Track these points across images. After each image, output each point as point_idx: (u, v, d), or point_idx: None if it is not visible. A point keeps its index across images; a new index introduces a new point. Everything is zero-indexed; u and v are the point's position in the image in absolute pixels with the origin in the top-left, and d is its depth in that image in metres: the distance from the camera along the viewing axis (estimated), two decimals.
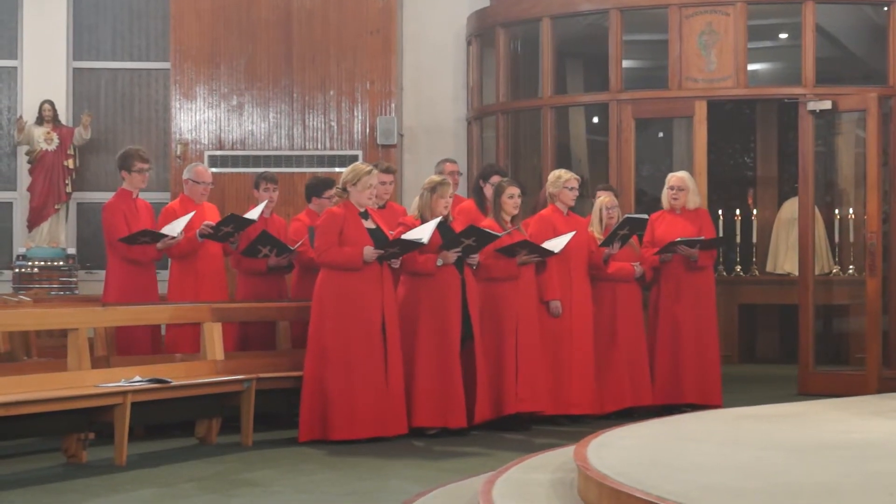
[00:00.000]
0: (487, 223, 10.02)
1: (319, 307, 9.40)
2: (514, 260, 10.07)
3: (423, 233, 9.40)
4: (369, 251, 9.30)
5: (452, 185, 10.51)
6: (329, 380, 9.27)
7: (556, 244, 10.22)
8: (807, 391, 12.25)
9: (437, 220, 9.56)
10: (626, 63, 13.65)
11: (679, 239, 10.90)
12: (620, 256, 10.76)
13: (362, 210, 9.51)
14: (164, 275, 10.63)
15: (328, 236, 9.39)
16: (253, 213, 10.50)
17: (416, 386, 9.56)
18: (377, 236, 9.42)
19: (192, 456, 8.81)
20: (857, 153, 13.80)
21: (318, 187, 10.99)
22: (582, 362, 10.47)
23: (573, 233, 10.31)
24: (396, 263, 9.53)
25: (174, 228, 10.28)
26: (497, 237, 9.80)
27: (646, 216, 11.09)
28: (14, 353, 10.16)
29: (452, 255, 9.64)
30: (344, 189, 9.51)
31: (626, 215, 11.03)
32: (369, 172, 9.48)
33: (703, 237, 11.00)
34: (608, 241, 10.65)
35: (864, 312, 12.44)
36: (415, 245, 9.40)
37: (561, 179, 10.62)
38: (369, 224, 9.51)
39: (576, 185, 10.65)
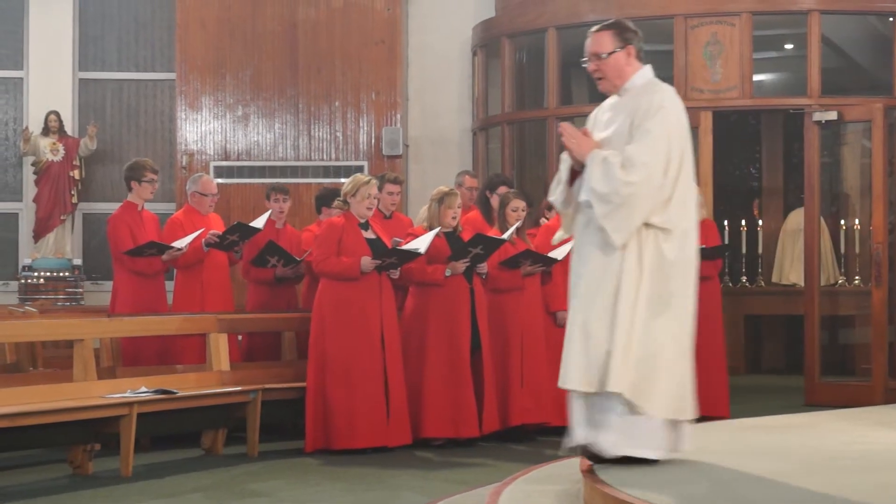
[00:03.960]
0: (493, 234, 10.03)
1: (319, 317, 9.42)
2: (518, 271, 10.07)
3: (421, 243, 9.44)
4: (366, 261, 9.31)
5: (468, 198, 10.53)
6: (329, 389, 9.29)
7: (558, 252, 10.23)
8: (813, 402, 12.23)
9: (436, 230, 9.61)
10: None
11: None
12: None
13: (363, 221, 9.53)
14: (169, 286, 10.63)
15: (326, 247, 9.42)
16: (258, 222, 10.52)
17: (425, 396, 9.57)
18: (376, 246, 9.44)
19: (197, 467, 8.82)
20: (862, 163, 13.79)
21: (327, 198, 11.00)
22: None
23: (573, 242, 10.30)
24: (395, 274, 9.54)
25: (181, 243, 10.29)
26: (503, 241, 9.82)
27: None
28: (20, 364, 10.16)
29: (461, 266, 9.66)
30: (345, 201, 9.55)
31: None
32: (367, 183, 9.51)
33: (703, 246, 10.99)
34: None
35: (869, 323, 12.42)
36: (412, 255, 9.42)
37: None
38: (369, 234, 9.53)
39: None
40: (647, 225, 6.08)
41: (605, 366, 6.11)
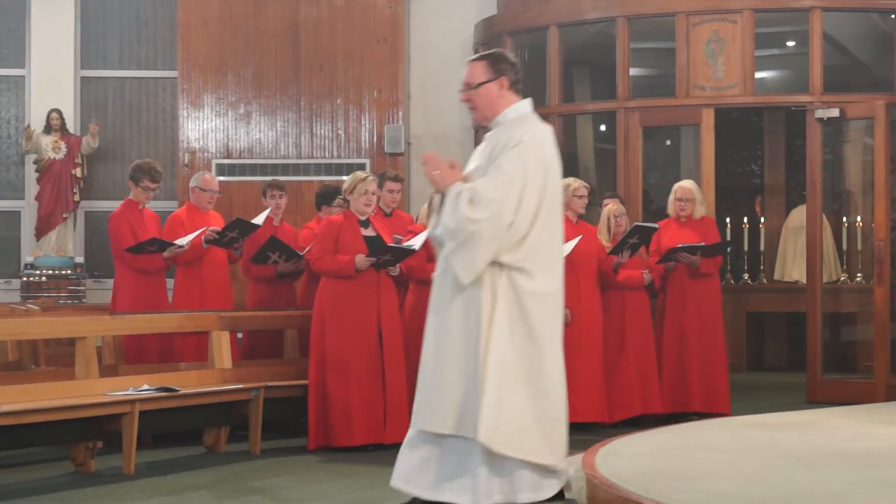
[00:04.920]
0: None
1: (319, 314, 9.43)
2: None
3: (417, 241, 9.44)
4: (361, 259, 9.30)
5: None
6: (329, 386, 9.30)
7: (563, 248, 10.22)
8: (815, 399, 12.23)
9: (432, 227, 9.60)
10: (633, 71, 13.66)
11: (679, 245, 10.91)
12: (629, 264, 10.77)
13: (363, 218, 9.52)
14: (168, 283, 10.64)
15: (324, 244, 9.44)
16: (258, 219, 10.52)
17: None
18: (374, 244, 9.43)
19: (200, 464, 8.82)
20: (864, 161, 13.79)
21: (327, 196, 11.01)
22: (591, 371, 10.46)
23: (579, 237, 10.31)
24: (395, 271, 9.54)
25: (184, 241, 10.29)
26: None
27: (655, 225, 11.09)
28: (22, 362, 10.17)
29: None
30: (345, 199, 9.57)
31: (636, 224, 11.03)
32: (364, 179, 9.50)
33: (703, 244, 11.00)
34: (617, 250, 10.65)
35: (871, 320, 12.41)
36: (407, 252, 9.42)
37: (570, 188, 10.63)
38: (368, 232, 9.52)
39: (585, 192, 10.66)
40: (501, 263, 5.87)
41: (471, 411, 5.84)
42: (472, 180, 5.97)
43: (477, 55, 6.21)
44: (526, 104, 6.15)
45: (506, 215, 5.82)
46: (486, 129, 6.31)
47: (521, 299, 5.88)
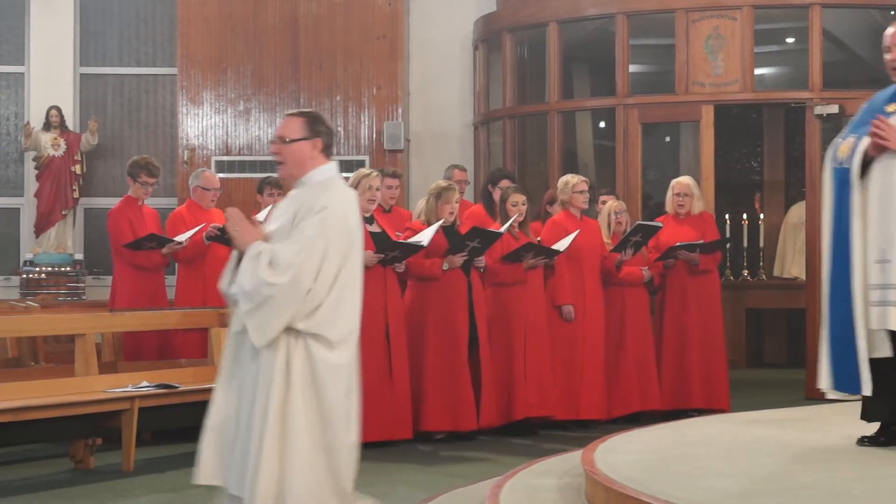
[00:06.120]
0: (495, 228, 10.03)
1: None
2: (520, 265, 10.08)
3: (424, 236, 9.45)
4: (369, 255, 9.30)
5: (459, 192, 10.57)
6: None
7: (560, 244, 10.24)
8: (814, 396, 12.19)
9: (439, 223, 9.60)
10: (632, 67, 13.65)
11: (678, 244, 10.91)
12: (629, 261, 10.79)
13: (368, 214, 9.52)
14: (171, 280, 10.63)
15: None
16: (260, 216, 10.51)
17: (424, 390, 9.58)
18: (380, 240, 9.43)
19: None
20: None
21: None
22: (593, 367, 10.48)
23: (577, 231, 10.33)
24: (400, 268, 9.54)
25: (183, 237, 10.29)
26: (500, 235, 9.82)
27: (659, 224, 11.09)
28: (22, 359, 10.17)
29: (459, 260, 9.66)
30: None
31: (638, 222, 11.05)
32: (368, 175, 9.51)
33: (702, 241, 11.01)
34: (620, 247, 10.66)
35: None
36: (415, 248, 9.42)
37: (569, 185, 10.64)
38: (374, 228, 9.53)
39: (585, 187, 10.68)
40: (297, 330, 5.70)
41: (251, 475, 5.68)
42: (273, 239, 5.80)
43: (296, 111, 6.08)
44: (332, 168, 6.02)
45: (305, 281, 5.66)
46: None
47: (316, 369, 5.76)
